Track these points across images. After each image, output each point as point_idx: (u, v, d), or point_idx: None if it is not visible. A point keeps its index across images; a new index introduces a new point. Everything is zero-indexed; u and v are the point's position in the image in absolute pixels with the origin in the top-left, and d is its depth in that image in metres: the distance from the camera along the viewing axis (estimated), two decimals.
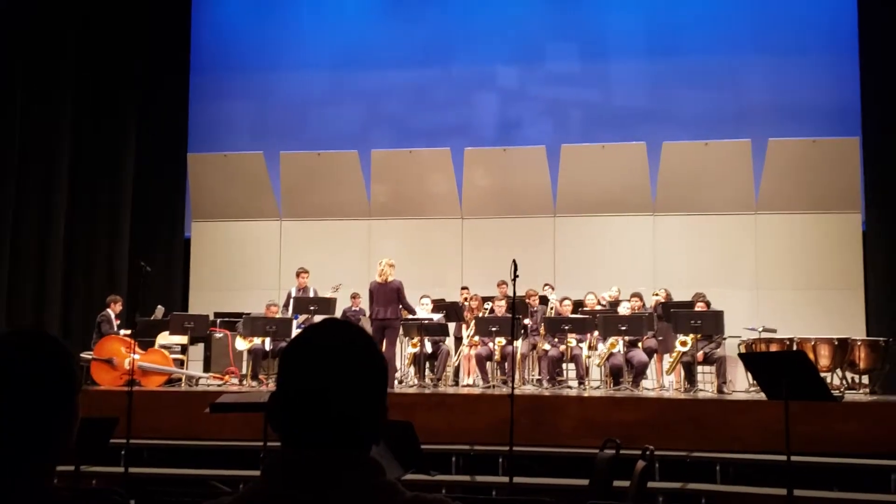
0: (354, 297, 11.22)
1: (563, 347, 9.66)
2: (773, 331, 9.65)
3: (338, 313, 10.50)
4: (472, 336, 10.14)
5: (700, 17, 12.94)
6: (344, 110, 13.69)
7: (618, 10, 13.22)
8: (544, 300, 10.59)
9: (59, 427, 1.33)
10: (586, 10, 13.36)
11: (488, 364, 9.82)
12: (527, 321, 10.13)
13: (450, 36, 13.73)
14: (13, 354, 1.31)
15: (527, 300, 10.27)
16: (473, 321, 10.06)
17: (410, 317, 9.64)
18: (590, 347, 9.82)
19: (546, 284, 11.10)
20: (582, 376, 9.61)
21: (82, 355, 9.87)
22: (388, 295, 9.14)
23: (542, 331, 9.95)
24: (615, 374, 9.36)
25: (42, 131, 11.86)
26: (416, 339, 9.76)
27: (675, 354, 9.33)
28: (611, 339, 9.38)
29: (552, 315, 10.05)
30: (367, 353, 1.32)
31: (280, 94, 13.83)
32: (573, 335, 9.54)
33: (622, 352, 9.28)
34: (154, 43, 13.42)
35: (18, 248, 11.43)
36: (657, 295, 10.37)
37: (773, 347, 8.92)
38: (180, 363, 10.04)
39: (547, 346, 9.80)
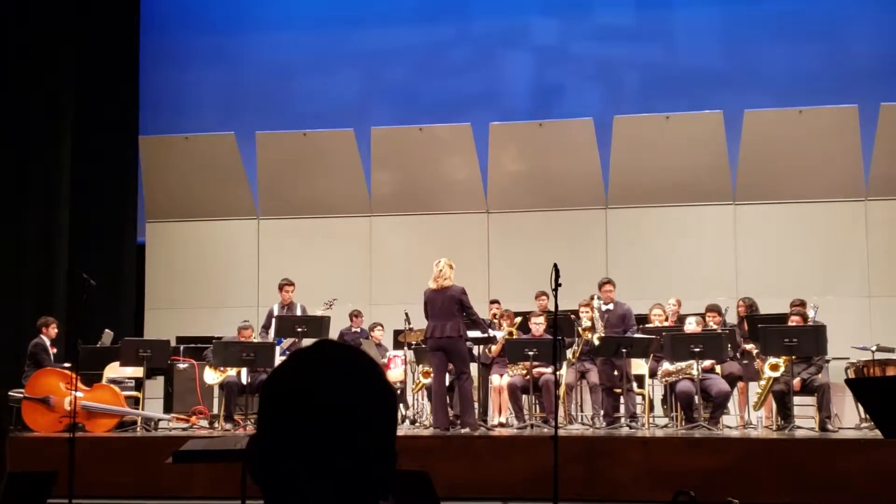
0: (356, 315, 11.22)
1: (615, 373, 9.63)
2: (891, 350, 9.58)
3: (333, 336, 10.51)
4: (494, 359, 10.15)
5: None
6: (335, 79, 13.72)
7: None
8: None
9: None
10: None
11: (524, 397, 9.78)
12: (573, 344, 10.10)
13: None
14: None
15: (573, 316, 10.22)
16: (503, 343, 10.05)
17: (475, 334, 9.31)
18: (651, 375, 9.80)
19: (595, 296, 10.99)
20: (633, 413, 9.58)
21: (10, 393, 9.91)
22: (447, 305, 8.84)
23: None
24: (686, 408, 9.30)
25: None
26: (430, 367, 9.74)
27: (764, 382, 9.25)
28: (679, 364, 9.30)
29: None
30: (374, 378, 1.32)
31: (255, 59, 13.87)
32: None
33: (696, 377, 9.20)
34: None
35: None
36: (742, 306, 10.33)
37: (891, 371, 8.86)
38: (134, 402, 10.08)
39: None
